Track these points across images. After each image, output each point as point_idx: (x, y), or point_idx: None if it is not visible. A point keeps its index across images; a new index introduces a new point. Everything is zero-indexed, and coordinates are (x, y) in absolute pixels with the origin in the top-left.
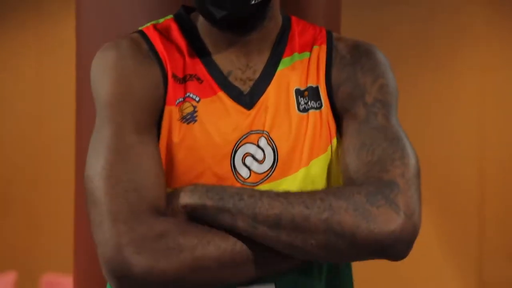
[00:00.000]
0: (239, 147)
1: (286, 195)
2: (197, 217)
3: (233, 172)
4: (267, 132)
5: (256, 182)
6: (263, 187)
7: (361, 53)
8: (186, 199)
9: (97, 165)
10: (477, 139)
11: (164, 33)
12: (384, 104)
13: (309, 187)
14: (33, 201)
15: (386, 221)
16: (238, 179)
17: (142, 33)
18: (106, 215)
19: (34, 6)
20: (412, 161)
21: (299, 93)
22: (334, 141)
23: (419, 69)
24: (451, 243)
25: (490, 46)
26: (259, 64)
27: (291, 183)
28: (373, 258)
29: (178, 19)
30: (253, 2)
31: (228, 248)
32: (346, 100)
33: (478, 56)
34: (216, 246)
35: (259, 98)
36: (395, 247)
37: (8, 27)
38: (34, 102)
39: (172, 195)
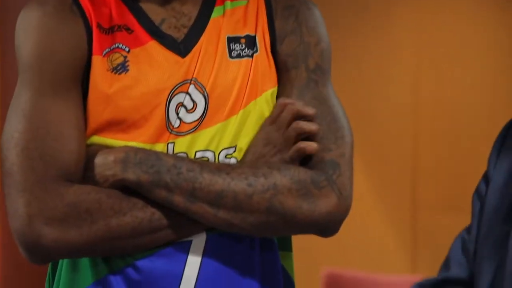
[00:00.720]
0: (173, 96)
1: (228, 169)
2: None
3: (166, 122)
4: (195, 79)
5: (184, 132)
6: (191, 136)
7: (302, 5)
8: (118, 173)
9: (8, 133)
10: (411, 97)
11: None
12: (323, 72)
13: (240, 136)
14: None
15: (326, 203)
16: (168, 128)
17: None
18: (13, 186)
19: None
20: (350, 139)
21: (231, 40)
22: (272, 90)
23: (355, 29)
24: (384, 197)
25: (426, 6)
26: (193, 11)
27: (221, 131)
28: (304, 234)
29: None
30: None
31: (146, 218)
32: (289, 56)
33: (414, 17)
34: (133, 217)
35: (193, 46)
36: (329, 227)
37: None
38: None
39: (96, 159)
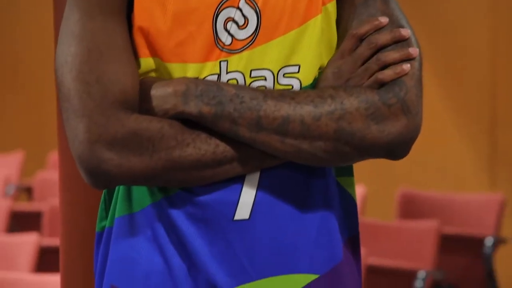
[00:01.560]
0: (221, 11)
1: (292, 94)
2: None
3: (214, 38)
4: None
5: (237, 49)
6: (246, 53)
7: None
8: (179, 106)
9: (61, 56)
10: (488, 7)
11: None
12: None
13: (301, 54)
14: (42, 80)
15: (395, 123)
16: (218, 45)
17: None
18: (71, 111)
19: None
20: (418, 56)
21: None
22: (331, 4)
23: None
24: (462, 113)
25: None
26: None
27: (276, 48)
28: (373, 157)
29: None
30: None
31: (210, 150)
32: None
33: None
34: (196, 149)
35: None
36: (399, 149)
37: None
38: None
39: (154, 91)
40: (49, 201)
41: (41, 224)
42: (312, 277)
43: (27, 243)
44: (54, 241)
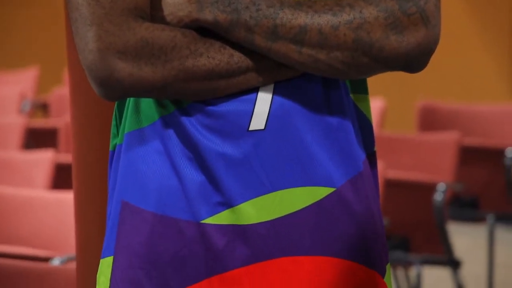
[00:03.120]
0: None
1: (310, 2)
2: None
3: None
4: None
5: None
6: None
7: None
8: (193, 13)
9: None
10: None
11: None
12: None
13: None
14: None
15: (415, 33)
16: None
17: None
18: (80, 20)
19: None
20: None
21: None
22: None
23: None
24: (482, 21)
25: None
26: None
27: None
28: (391, 70)
29: None
30: None
31: (224, 60)
32: None
33: None
34: (211, 58)
35: None
36: (418, 60)
37: None
38: None
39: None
40: (65, 117)
41: (57, 141)
42: (330, 190)
43: (43, 159)
44: (70, 158)
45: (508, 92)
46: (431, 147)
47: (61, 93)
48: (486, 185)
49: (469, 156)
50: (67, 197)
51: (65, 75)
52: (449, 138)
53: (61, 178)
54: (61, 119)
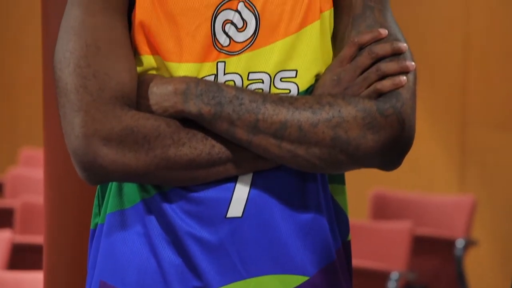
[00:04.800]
0: (219, 13)
1: (291, 99)
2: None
3: (212, 39)
4: None
5: (236, 51)
6: (244, 56)
7: None
8: (178, 104)
9: (60, 52)
10: (462, 13)
11: None
12: None
13: (299, 59)
14: (13, 74)
15: (391, 133)
16: (216, 46)
17: None
18: (68, 106)
19: None
20: (414, 70)
21: None
22: (328, 12)
23: None
24: (433, 115)
25: None
26: None
27: (274, 52)
28: (366, 167)
29: None
30: None
31: (205, 150)
32: None
33: None
34: (192, 148)
35: None
36: (393, 159)
37: None
38: None
39: (154, 89)
40: (21, 197)
41: (13, 221)
42: (303, 278)
43: (0, 240)
44: (26, 239)
45: (458, 184)
46: (384, 236)
47: (17, 173)
48: (437, 275)
49: (421, 246)
50: (26, 277)
51: (20, 155)
52: (402, 228)
53: (17, 258)
54: (17, 199)
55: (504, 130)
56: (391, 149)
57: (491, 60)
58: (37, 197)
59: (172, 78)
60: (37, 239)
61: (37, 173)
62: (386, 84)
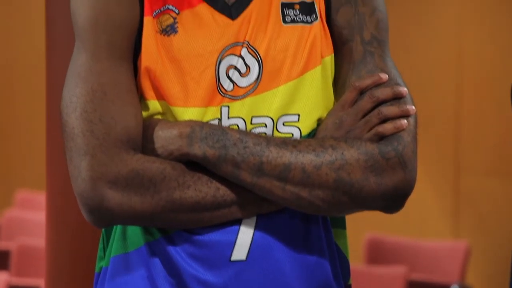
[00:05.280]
0: (223, 58)
1: (294, 142)
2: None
3: (216, 84)
4: (247, 42)
5: (239, 96)
6: (248, 100)
7: None
8: (184, 148)
9: (67, 97)
10: (455, 59)
11: None
12: (380, 43)
13: (301, 103)
14: (7, 117)
15: (393, 176)
16: (220, 91)
17: None
18: (74, 150)
19: None
20: (414, 114)
21: (285, 6)
22: (330, 57)
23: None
24: (427, 161)
25: None
26: None
27: (280, 96)
28: (368, 209)
29: None
30: None
31: (210, 193)
32: (344, 28)
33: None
34: (197, 191)
35: (244, 9)
36: (394, 202)
37: None
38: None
39: (159, 132)
40: (17, 240)
41: (9, 264)
42: None
43: None
44: (23, 281)
45: (451, 229)
46: (379, 281)
47: (12, 215)
48: None
49: None
50: None
51: (16, 197)
52: (397, 273)
53: None
54: (13, 242)
55: (497, 176)
56: (393, 191)
57: (484, 106)
58: (34, 240)
59: (177, 122)
60: (34, 281)
61: (33, 216)
62: (387, 127)
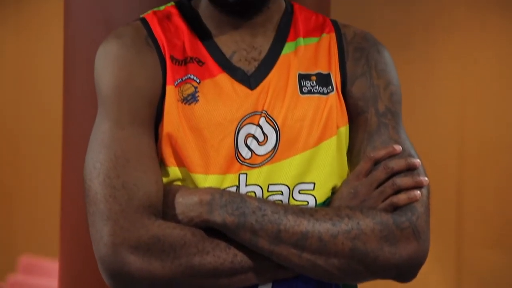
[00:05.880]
0: (242, 127)
1: (311, 211)
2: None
3: (235, 152)
4: (265, 111)
5: (257, 164)
6: (265, 168)
7: (372, 47)
8: (204, 215)
9: (90, 163)
10: (456, 130)
11: (165, 19)
12: (394, 115)
13: (317, 172)
14: (11, 180)
15: (407, 246)
16: (238, 159)
17: (143, 20)
18: (97, 215)
19: None
20: (427, 185)
21: (302, 77)
22: (344, 128)
23: (400, 54)
24: (431, 233)
25: (470, 30)
26: (264, 45)
27: (296, 165)
28: (382, 278)
29: (178, 5)
30: None
31: (228, 259)
32: (360, 100)
33: (458, 41)
34: (216, 257)
35: (263, 79)
36: (408, 271)
37: None
38: (14, 83)
39: (180, 199)
40: None
41: None
42: None
43: None
44: None
45: None
46: None
47: (15, 280)
48: None
49: None
50: None
51: (20, 263)
52: None
53: None
54: None
55: (500, 248)
56: (407, 261)
57: (486, 177)
58: None
59: (197, 189)
60: None
61: (37, 281)
62: (401, 198)
